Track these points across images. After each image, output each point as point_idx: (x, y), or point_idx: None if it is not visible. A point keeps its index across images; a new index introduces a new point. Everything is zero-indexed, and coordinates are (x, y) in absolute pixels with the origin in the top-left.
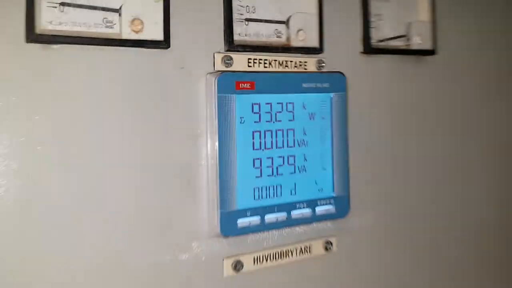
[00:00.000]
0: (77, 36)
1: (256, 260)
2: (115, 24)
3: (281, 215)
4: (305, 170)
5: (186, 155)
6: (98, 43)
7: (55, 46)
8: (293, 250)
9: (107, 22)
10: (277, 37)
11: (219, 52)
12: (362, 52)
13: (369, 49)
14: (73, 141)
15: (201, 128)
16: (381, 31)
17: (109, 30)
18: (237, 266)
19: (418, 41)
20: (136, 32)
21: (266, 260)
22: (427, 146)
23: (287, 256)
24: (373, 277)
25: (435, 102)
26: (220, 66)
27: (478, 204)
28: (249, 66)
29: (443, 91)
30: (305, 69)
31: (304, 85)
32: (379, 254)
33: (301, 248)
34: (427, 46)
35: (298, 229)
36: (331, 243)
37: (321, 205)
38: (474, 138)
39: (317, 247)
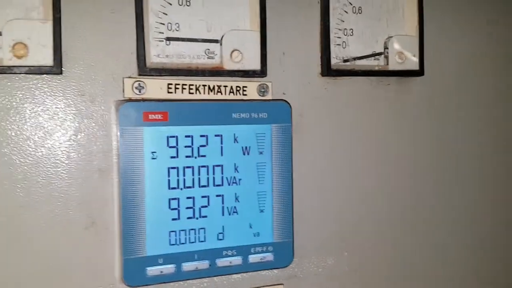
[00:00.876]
0: None
1: None
2: None
3: (203, 264)
4: (237, 212)
5: (91, 193)
6: None
7: None
8: None
9: None
10: (208, 58)
11: (130, 77)
12: (320, 74)
13: (329, 70)
14: None
15: (109, 163)
16: (349, 49)
17: None
18: None
19: (397, 60)
20: (19, 57)
21: None
22: (400, 188)
23: None
24: None
25: (418, 135)
26: (130, 93)
27: (446, 247)
28: (169, 92)
29: (429, 121)
30: (245, 95)
31: (235, 115)
32: None
33: None
34: (412, 65)
35: (236, 276)
36: None
37: (256, 252)
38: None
39: None
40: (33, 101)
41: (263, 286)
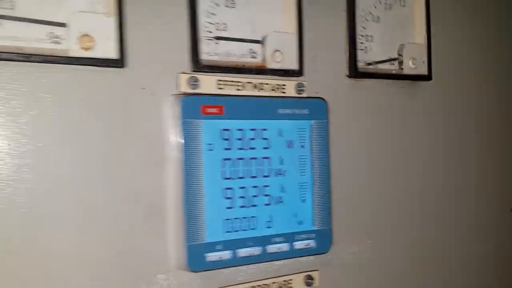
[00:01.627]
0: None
1: None
2: (63, 39)
3: (255, 250)
4: (283, 202)
5: (150, 184)
6: (41, 60)
7: None
8: (271, 285)
9: (53, 37)
10: (251, 57)
11: (184, 73)
12: (348, 76)
13: (355, 72)
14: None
15: (166, 154)
16: (371, 54)
17: (55, 46)
18: None
19: (411, 65)
20: (86, 49)
21: None
22: (415, 178)
23: None
24: None
25: (427, 133)
26: (185, 88)
27: (467, 235)
28: (219, 88)
29: (437, 121)
30: (283, 92)
31: (281, 111)
32: None
33: (280, 283)
34: (422, 71)
35: (278, 262)
36: (313, 278)
37: (300, 239)
38: (466, 176)
39: (298, 282)
40: (96, 93)
41: (302, 272)
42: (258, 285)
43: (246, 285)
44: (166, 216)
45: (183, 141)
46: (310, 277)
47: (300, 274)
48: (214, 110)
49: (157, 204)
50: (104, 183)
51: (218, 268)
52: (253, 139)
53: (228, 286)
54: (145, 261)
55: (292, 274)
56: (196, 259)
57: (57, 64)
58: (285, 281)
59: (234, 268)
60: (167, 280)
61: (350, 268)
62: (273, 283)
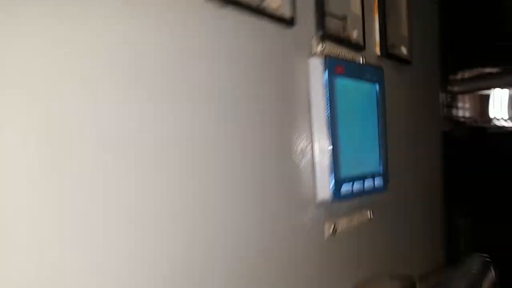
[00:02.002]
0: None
1: (342, 224)
2: None
3: (360, 185)
4: (367, 148)
5: (298, 131)
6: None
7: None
8: (355, 216)
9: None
10: (337, 31)
11: (316, 38)
12: (378, 55)
13: (385, 53)
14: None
15: (308, 105)
16: (389, 39)
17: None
18: (334, 229)
19: (404, 52)
20: (276, 8)
21: (345, 224)
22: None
23: (352, 221)
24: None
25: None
26: (317, 50)
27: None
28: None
29: (417, 96)
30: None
31: (366, 74)
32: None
33: (359, 215)
34: (407, 56)
35: (355, 200)
36: (372, 212)
37: (376, 178)
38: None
39: (364, 215)
40: (269, 45)
41: (367, 206)
42: (350, 216)
43: (348, 217)
44: (312, 158)
45: (328, 95)
46: (370, 211)
47: (366, 208)
48: (340, 69)
49: (309, 146)
50: (263, 129)
51: (346, 198)
52: (353, 95)
53: (340, 217)
54: (299, 198)
55: (363, 208)
56: (337, 190)
57: (249, 16)
58: (360, 214)
59: (343, 201)
60: (313, 210)
61: (390, 204)
62: (355, 215)
